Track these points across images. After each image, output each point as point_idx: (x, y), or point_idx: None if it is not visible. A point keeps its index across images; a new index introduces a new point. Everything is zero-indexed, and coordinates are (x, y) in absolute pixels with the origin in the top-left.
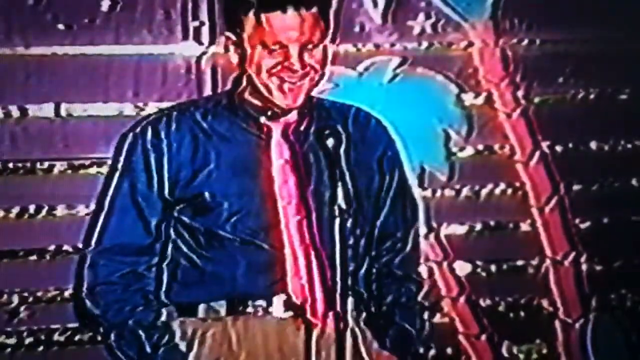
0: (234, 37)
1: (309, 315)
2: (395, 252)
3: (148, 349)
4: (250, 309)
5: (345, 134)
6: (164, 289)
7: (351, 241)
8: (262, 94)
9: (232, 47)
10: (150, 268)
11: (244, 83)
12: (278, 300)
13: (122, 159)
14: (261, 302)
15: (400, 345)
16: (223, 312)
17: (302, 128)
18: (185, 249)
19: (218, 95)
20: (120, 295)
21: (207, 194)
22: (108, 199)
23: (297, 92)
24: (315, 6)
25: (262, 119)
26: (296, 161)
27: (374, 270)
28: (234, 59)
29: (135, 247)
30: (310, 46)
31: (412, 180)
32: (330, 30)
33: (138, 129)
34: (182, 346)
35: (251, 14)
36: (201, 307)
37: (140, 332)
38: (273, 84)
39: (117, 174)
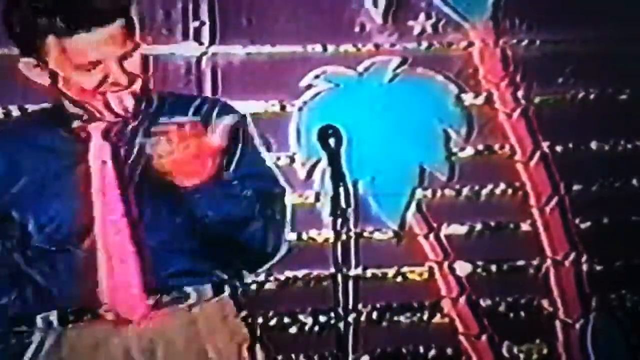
0: (34, 61)
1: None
2: None
3: None
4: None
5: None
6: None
7: None
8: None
9: (36, 70)
10: None
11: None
12: (101, 309)
13: None
14: (88, 312)
15: None
16: (55, 322)
17: (128, 128)
18: (20, 264)
19: (44, 109)
20: None
21: (18, 211)
22: None
23: (125, 104)
24: (117, 19)
25: (76, 123)
26: (118, 160)
27: None
28: (44, 81)
29: None
30: (127, 57)
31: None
32: (138, 36)
33: None
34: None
35: (52, 39)
36: (38, 319)
37: None
38: (98, 102)
39: None
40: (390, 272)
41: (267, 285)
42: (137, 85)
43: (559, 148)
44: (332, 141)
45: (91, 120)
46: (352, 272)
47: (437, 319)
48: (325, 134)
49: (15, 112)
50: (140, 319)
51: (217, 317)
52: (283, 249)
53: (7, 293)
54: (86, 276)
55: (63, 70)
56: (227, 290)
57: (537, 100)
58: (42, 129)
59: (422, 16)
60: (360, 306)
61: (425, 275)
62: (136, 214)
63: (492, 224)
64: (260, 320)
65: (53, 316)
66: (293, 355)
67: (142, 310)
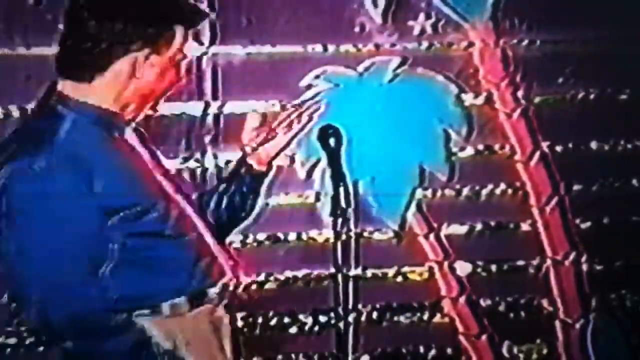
0: (148, 52)
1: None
2: None
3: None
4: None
5: None
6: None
7: None
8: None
9: (148, 61)
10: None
11: (87, 99)
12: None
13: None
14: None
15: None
16: (186, 308)
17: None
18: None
19: (56, 115)
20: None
21: (133, 203)
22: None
23: (149, 108)
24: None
25: (123, 130)
26: (156, 159)
27: None
28: (148, 72)
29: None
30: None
31: None
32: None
33: (54, 158)
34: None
35: (179, 28)
36: (164, 305)
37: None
38: (139, 101)
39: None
40: (390, 272)
41: (267, 285)
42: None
43: (559, 148)
44: (332, 141)
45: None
46: (352, 272)
47: (437, 319)
48: (325, 133)
49: (15, 112)
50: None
51: None
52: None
53: (130, 280)
54: (198, 259)
55: (162, 63)
56: None
57: (537, 100)
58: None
59: (422, 16)
60: (360, 306)
61: (426, 275)
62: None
63: (492, 224)
64: (260, 320)
65: (179, 301)
66: (293, 355)
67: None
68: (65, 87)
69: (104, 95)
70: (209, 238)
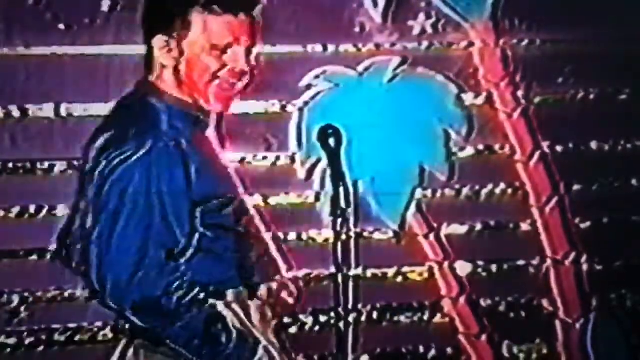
0: (165, 39)
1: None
2: None
3: (224, 341)
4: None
5: None
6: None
7: None
8: (192, 96)
9: (164, 50)
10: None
11: (167, 89)
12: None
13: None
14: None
15: None
16: (246, 295)
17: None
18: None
19: (150, 106)
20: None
21: (217, 196)
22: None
23: (230, 99)
24: (255, 10)
25: (201, 117)
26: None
27: None
28: (168, 61)
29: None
30: (252, 50)
31: None
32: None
33: (156, 145)
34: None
35: (199, 16)
36: (229, 293)
37: (215, 327)
38: (212, 88)
39: (154, 194)
40: (390, 272)
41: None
42: (245, 82)
43: (559, 148)
44: (331, 141)
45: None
46: (352, 272)
47: (437, 318)
48: (324, 134)
49: (15, 112)
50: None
51: None
52: None
53: (203, 268)
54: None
55: (193, 50)
56: None
57: (537, 100)
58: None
59: (422, 16)
60: (360, 306)
61: (426, 275)
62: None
63: (492, 224)
64: None
65: (242, 290)
66: (293, 355)
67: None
68: (156, 79)
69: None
70: (267, 236)
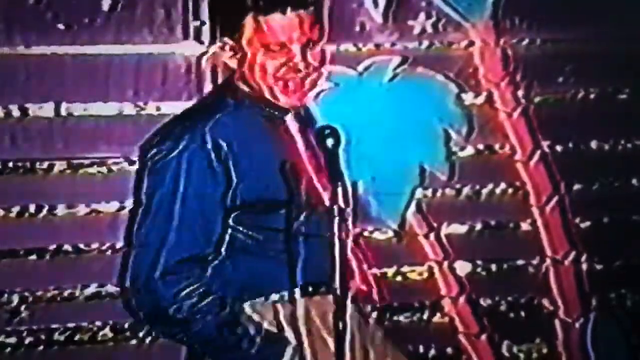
0: (231, 42)
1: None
2: None
3: (245, 345)
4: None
5: None
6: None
7: None
8: (264, 96)
9: (229, 52)
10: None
11: (242, 86)
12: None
13: (184, 169)
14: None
15: None
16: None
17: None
18: (251, 246)
19: (221, 103)
20: (200, 298)
21: (269, 198)
22: (176, 211)
23: (302, 92)
24: (311, 6)
25: (283, 116)
26: (311, 149)
27: None
28: (233, 63)
29: (203, 256)
30: (310, 45)
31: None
32: (326, 30)
33: (198, 138)
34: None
35: (249, 18)
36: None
37: (232, 332)
38: (278, 87)
39: (181, 185)
40: (390, 271)
41: None
42: (315, 76)
43: (559, 147)
44: (329, 141)
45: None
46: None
47: (437, 318)
48: (322, 134)
49: (15, 111)
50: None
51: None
52: None
53: (244, 268)
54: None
55: (251, 50)
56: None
57: (537, 99)
58: (245, 122)
59: (422, 15)
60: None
61: (425, 275)
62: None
63: (492, 223)
64: None
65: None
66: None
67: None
68: (236, 73)
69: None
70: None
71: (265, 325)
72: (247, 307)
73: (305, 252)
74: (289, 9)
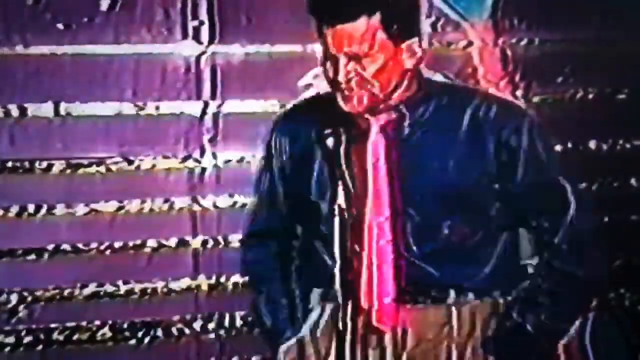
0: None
1: (374, 321)
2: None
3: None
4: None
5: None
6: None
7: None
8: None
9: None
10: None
11: None
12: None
13: (265, 155)
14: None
15: (504, 345)
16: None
17: (405, 124)
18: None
19: (325, 97)
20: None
21: (309, 196)
22: (259, 192)
23: (358, 100)
24: (364, 16)
25: (366, 115)
26: (390, 159)
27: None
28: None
29: (272, 230)
30: (360, 57)
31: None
32: (403, 34)
33: (272, 130)
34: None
35: (326, 28)
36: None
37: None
38: (338, 96)
39: (263, 168)
40: None
41: None
42: (375, 89)
43: (558, 147)
44: (330, 141)
45: (373, 114)
46: None
47: None
48: (323, 134)
49: (14, 111)
50: (391, 329)
51: (469, 321)
52: None
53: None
54: (347, 272)
55: (323, 59)
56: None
57: (536, 99)
58: (326, 118)
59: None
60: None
61: None
62: (401, 219)
63: None
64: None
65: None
66: None
67: (393, 322)
68: None
69: None
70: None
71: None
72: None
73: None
74: (336, 23)
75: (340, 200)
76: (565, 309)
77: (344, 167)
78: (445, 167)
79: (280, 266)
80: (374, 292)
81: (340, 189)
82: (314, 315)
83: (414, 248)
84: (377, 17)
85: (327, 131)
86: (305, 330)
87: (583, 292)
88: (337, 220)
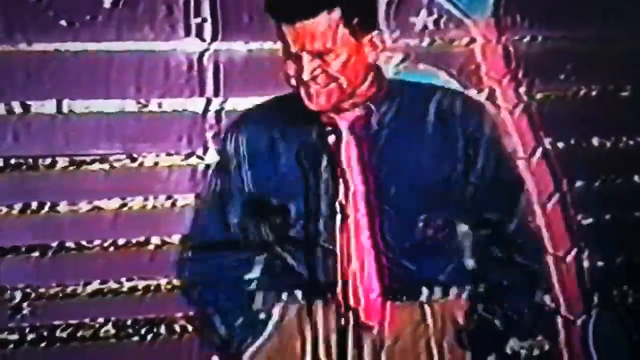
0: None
1: (363, 317)
2: (497, 236)
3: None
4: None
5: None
6: (255, 280)
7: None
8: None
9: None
10: (237, 262)
11: None
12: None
13: (216, 163)
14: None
15: (475, 339)
16: (299, 297)
17: (373, 121)
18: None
19: (286, 98)
20: (215, 285)
21: (276, 200)
22: (204, 195)
23: (325, 97)
24: (324, 11)
25: (331, 115)
26: (362, 157)
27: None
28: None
29: (218, 242)
30: (323, 54)
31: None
32: (364, 27)
33: (225, 133)
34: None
35: (284, 25)
36: (284, 294)
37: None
38: (302, 92)
39: (212, 176)
40: None
41: None
42: (343, 84)
43: (560, 144)
44: (331, 139)
45: (338, 113)
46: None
47: None
48: (323, 131)
49: (17, 108)
50: (379, 324)
51: (447, 317)
52: None
53: (254, 269)
54: (333, 273)
55: (285, 58)
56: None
57: (539, 96)
58: (289, 117)
59: (423, 12)
60: None
61: None
62: (378, 216)
63: None
64: None
65: (298, 293)
66: None
67: (380, 316)
68: None
69: None
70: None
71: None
72: (257, 302)
73: (310, 258)
74: (296, 20)
75: (341, 197)
76: (526, 302)
77: (344, 164)
78: (417, 162)
79: (231, 274)
80: (359, 289)
81: (341, 186)
82: (275, 319)
83: (392, 244)
84: (337, 12)
85: (328, 129)
86: (267, 334)
87: (541, 286)
88: (339, 217)
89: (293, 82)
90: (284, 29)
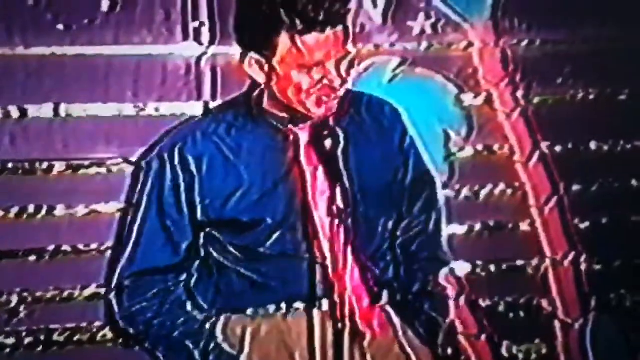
0: (258, 57)
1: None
2: (418, 234)
3: (197, 357)
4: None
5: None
6: (208, 300)
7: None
8: (288, 107)
9: (255, 67)
10: (179, 283)
11: (265, 96)
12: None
13: (149, 184)
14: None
15: (429, 335)
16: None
17: (326, 131)
18: (227, 263)
19: (234, 106)
20: (158, 311)
21: (243, 217)
22: (136, 225)
23: (332, 103)
24: (342, 22)
25: (290, 127)
26: (326, 164)
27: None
28: (260, 78)
29: (164, 268)
30: (342, 60)
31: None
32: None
33: (165, 153)
34: (228, 347)
35: (284, 36)
36: (249, 310)
37: (188, 342)
38: (311, 101)
39: (144, 200)
40: None
41: None
42: (344, 89)
43: (558, 148)
44: (328, 143)
45: (296, 121)
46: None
47: None
48: (321, 134)
49: (14, 112)
50: (380, 329)
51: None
52: None
53: (208, 286)
54: (314, 282)
55: (285, 69)
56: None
57: (536, 100)
58: (243, 132)
59: (421, 16)
60: None
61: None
62: (346, 223)
63: (492, 224)
64: None
65: (270, 307)
66: None
67: (380, 321)
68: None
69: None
70: (349, 271)
71: (226, 345)
72: (220, 324)
73: (280, 272)
74: (328, 28)
75: (339, 201)
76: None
77: (342, 167)
78: (372, 168)
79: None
80: (352, 297)
81: (338, 189)
82: (247, 336)
83: (363, 250)
84: (342, 25)
85: (325, 132)
86: (242, 350)
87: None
88: (336, 221)
89: (303, 93)
90: (304, 39)
